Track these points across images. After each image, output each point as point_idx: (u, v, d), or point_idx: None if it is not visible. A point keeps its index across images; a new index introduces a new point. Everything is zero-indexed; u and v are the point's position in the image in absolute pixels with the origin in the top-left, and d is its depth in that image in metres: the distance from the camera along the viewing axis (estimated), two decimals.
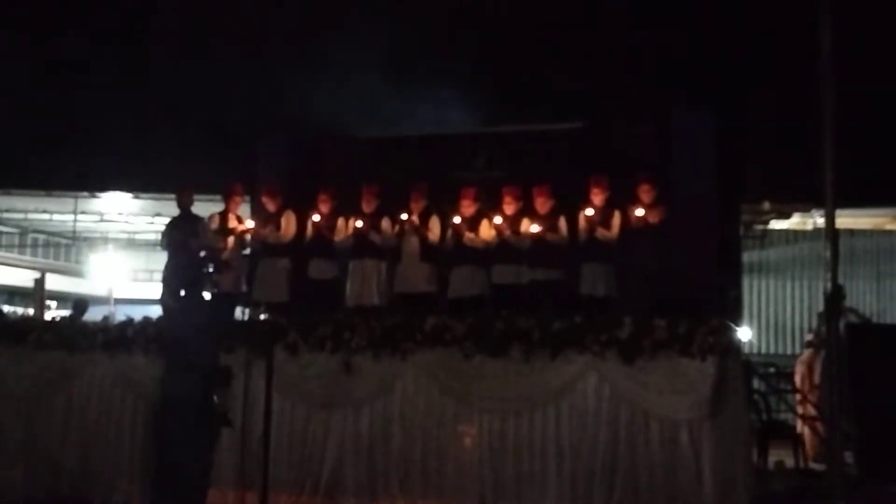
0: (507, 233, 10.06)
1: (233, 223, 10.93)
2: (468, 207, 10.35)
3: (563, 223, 10.05)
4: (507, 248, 10.12)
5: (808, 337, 13.28)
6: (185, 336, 7.91)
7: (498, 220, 10.09)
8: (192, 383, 7.66)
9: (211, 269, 8.48)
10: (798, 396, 12.01)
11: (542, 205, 10.12)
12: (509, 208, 10.22)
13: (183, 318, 8.19)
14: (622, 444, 7.96)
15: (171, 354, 8.04)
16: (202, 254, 8.86)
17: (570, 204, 10.15)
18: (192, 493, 7.69)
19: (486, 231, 10.26)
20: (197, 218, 11.08)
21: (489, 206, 10.40)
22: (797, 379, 12.50)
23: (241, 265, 11.13)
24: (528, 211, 10.20)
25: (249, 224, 11.06)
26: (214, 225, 10.94)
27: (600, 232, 9.87)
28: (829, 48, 8.47)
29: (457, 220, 10.24)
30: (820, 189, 8.63)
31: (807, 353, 12.70)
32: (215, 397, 8.25)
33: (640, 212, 9.73)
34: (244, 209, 11.51)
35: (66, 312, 17.09)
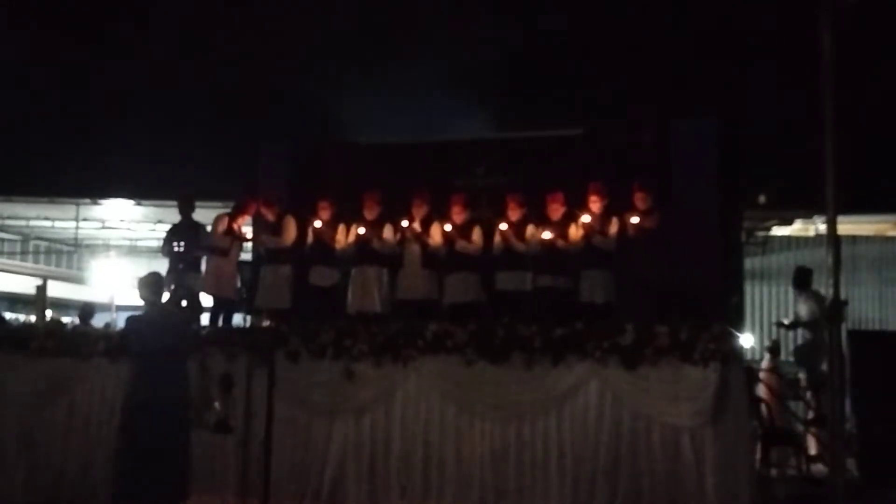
0: (513, 239, 10.05)
1: (237, 229, 11.01)
2: (458, 214, 10.35)
3: (573, 230, 10.03)
4: (512, 255, 10.11)
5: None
6: (150, 340, 8.02)
7: (503, 226, 10.09)
8: (157, 386, 7.82)
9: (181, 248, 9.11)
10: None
11: (555, 211, 10.11)
12: (513, 214, 10.21)
13: (148, 322, 8.27)
14: (624, 450, 7.97)
15: (138, 358, 8.11)
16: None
17: (572, 211, 10.14)
18: (159, 498, 7.84)
19: (479, 238, 10.26)
20: (198, 225, 11.10)
21: (490, 213, 10.41)
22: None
23: (236, 271, 11.17)
24: (534, 217, 10.19)
25: (248, 232, 11.15)
26: (223, 226, 10.97)
27: (597, 239, 9.86)
28: (829, 53, 8.46)
29: (448, 227, 10.24)
30: (822, 195, 8.61)
31: None
32: (217, 404, 8.28)
33: (634, 219, 9.72)
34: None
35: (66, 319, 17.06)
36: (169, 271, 10.67)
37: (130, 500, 7.88)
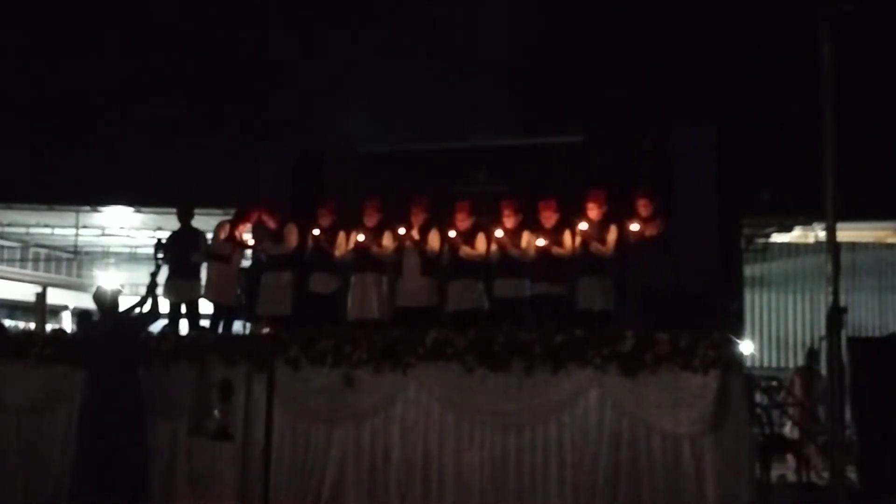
0: (509, 246, 10.04)
1: (238, 236, 11.03)
2: (463, 221, 10.34)
3: (567, 237, 10.03)
4: (509, 262, 10.11)
5: None
6: (105, 347, 8.62)
7: (499, 233, 10.08)
8: (112, 394, 8.39)
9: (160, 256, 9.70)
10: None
11: (548, 219, 10.10)
12: (508, 221, 10.21)
13: (100, 329, 8.99)
14: (624, 458, 7.95)
15: (93, 365, 8.68)
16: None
17: (570, 218, 10.14)
18: (117, 500, 8.30)
19: (482, 244, 10.25)
20: (197, 232, 11.10)
21: (490, 220, 10.40)
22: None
23: (237, 278, 11.18)
24: (530, 224, 10.18)
25: (249, 239, 11.18)
26: (224, 233, 10.99)
27: (595, 246, 9.84)
28: (829, 61, 8.48)
29: (452, 233, 10.23)
30: (821, 202, 8.62)
31: None
32: (216, 411, 8.34)
33: (635, 226, 9.70)
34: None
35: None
36: (167, 277, 10.69)
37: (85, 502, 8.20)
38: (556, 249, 9.94)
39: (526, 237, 10.10)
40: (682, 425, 7.81)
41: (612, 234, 9.88)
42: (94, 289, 9.31)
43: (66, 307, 16.06)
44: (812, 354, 13.99)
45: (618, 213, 10.00)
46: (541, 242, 9.87)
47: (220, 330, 10.79)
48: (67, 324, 16.40)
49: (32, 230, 25.78)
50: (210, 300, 10.96)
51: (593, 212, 9.99)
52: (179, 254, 10.62)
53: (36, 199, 22.03)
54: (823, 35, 8.50)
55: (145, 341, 9.22)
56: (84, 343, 9.19)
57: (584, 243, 9.86)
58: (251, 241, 11.32)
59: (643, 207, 9.86)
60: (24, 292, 25.27)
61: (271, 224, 10.97)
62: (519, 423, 8.26)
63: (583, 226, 9.85)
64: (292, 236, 10.83)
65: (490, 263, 10.21)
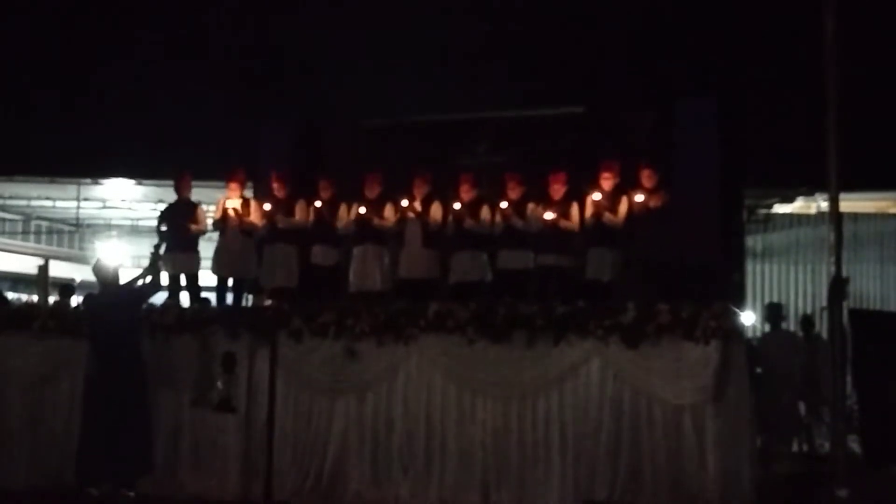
0: (514, 218, 10.03)
1: (233, 207, 10.87)
2: (467, 193, 10.33)
3: (575, 210, 10.01)
4: (514, 234, 10.09)
5: None
6: (106, 320, 8.61)
7: (504, 205, 10.06)
8: (115, 367, 8.39)
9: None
10: None
11: (557, 191, 10.07)
12: (513, 193, 10.19)
13: (102, 301, 8.91)
14: (625, 428, 7.99)
15: (95, 338, 8.69)
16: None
17: (572, 188, 10.12)
18: (122, 472, 8.36)
19: (487, 216, 10.24)
20: (195, 204, 11.05)
21: (491, 192, 10.38)
22: None
23: (248, 249, 11.06)
24: (535, 196, 10.16)
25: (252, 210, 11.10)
26: (218, 211, 10.93)
27: (607, 217, 9.83)
28: (832, 31, 8.43)
29: (457, 205, 10.22)
30: (824, 173, 8.60)
31: None
32: (219, 383, 8.38)
33: (639, 197, 9.68)
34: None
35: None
36: (165, 249, 10.65)
37: (93, 476, 8.24)
38: (563, 222, 9.92)
39: (531, 209, 10.08)
40: (684, 396, 7.84)
41: (624, 205, 9.86)
42: (94, 262, 9.29)
43: (72, 280, 16.14)
44: (807, 321, 13.71)
45: (622, 183, 9.99)
46: (549, 215, 9.84)
47: (229, 302, 10.77)
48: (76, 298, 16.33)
49: (34, 203, 25.74)
50: (223, 275, 10.88)
51: (607, 182, 9.97)
52: (177, 226, 10.60)
53: (37, 171, 21.96)
54: (826, 3, 8.46)
55: (147, 314, 9.23)
56: (86, 316, 9.19)
57: (597, 214, 9.84)
58: (253, 210, 11.14)
59: (647, 178, 9.83)
60: (26, 265, 25.28)
61: (280, 192, 10.91)
62: (521, 394, 8.30)
63: (596, 196, 9.83)
64: (302, 211, 10.78)
65: (494, 235, 10.20)
